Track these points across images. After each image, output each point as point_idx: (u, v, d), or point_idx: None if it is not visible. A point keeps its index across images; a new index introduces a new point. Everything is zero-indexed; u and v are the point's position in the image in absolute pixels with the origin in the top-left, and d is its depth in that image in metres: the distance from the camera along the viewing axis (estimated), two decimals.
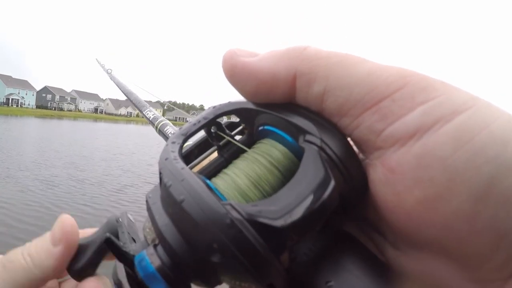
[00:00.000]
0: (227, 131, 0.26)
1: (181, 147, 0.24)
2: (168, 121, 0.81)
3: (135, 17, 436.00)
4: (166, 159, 0.22)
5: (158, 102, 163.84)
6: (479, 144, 0.18)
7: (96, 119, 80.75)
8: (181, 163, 0.21)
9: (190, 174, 0.20)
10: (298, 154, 0.22)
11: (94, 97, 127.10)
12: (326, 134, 0.21)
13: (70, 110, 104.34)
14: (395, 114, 0.19)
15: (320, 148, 0.20)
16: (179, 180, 0.20)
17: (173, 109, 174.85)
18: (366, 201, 0.21)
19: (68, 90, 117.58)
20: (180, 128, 0.25)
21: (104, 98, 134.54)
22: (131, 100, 1.28)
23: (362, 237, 0.23)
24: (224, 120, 0.26)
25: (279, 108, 0.23)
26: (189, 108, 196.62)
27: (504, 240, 0.18)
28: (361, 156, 0.23)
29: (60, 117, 68.92)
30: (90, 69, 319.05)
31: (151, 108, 1.00)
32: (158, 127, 0.80)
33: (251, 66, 0.23)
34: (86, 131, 36.87)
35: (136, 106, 1.16)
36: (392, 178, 0.20)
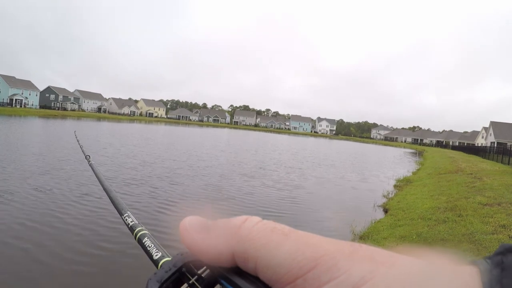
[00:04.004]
0: (190, 276, 0.31)
1: None
2: (147, 232, 0.78)
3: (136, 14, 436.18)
4: None
5: (161, 101, 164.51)
6: None
7: (99, 119, 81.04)
8: None
9: None
10: None
11: (97, 96, 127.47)
12: None
13: (74, 110, 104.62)
14: None
15: None
16: None
17: (176, 108, 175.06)
18: None
19: (71, 90, 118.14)
20: (155, 274, 0.31)
21: (107, 98, 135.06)
22: (109, 197, 1.18)
23: None
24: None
25: (230, 270, 0.29)
26: (192, 107, 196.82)
27: None
28: None
29: (63, 117, 69.20)
30: (90, 68, 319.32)
31: (129, 213, 0.94)
32: (138, 236, 0.78)
33: (199, 246, 0.30)
34: (85, 131, 36.95)
35: (114, 205, 1.08)
36: None
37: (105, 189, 1.31)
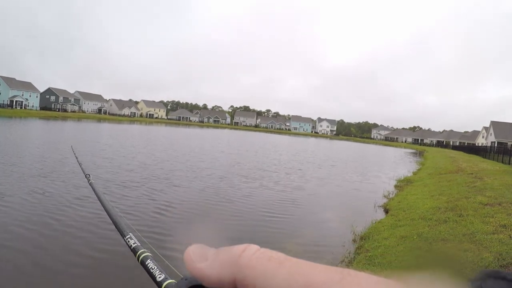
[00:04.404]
0: None
1: None
2: (149, 253, 0.79)
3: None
4: None
5: (161, 102, 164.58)
6: None
7: (99, 120, 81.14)
8: None
9: None
10: None
11: (97, 98, 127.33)
12: None
13: (74, 111, 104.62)
14: None
15: None
16: None
17: (177, 109, 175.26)
18: None
19: (72, 92, 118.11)
20: None
21: (107, 99, 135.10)
22: (111, 218, 1.16)
23: None
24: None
25: None
26: (192, 108, 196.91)
27: None
28: None
29: (64, 118, 69.26)
30: (90, 69, 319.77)
31: (131, 234, 0.94)
32: (140, 258, 0.79)
33: (203, 274, 0.33)
34: (84, 133, 36.96)
35: (116, 226, 1.07)
36: None
37: (106, 210, 1.29)
